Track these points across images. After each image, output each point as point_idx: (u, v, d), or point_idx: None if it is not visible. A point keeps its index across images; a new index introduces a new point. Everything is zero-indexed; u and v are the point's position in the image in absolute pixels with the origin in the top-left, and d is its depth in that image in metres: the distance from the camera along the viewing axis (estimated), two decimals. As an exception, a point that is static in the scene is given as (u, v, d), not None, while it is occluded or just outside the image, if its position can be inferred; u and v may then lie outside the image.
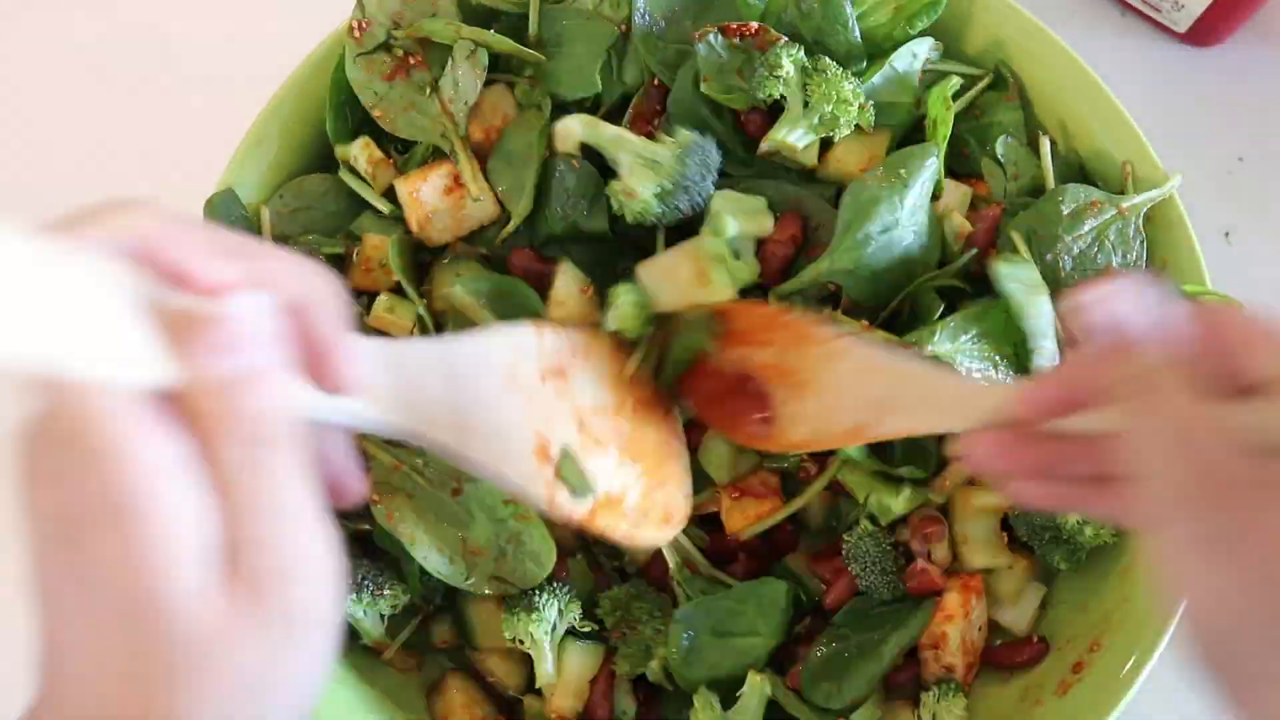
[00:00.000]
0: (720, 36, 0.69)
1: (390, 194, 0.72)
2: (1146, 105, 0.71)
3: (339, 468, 0.47)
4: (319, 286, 0.43)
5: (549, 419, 0.60)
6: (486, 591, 0.66)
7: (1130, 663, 0.62)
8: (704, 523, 0.70)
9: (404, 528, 0.65)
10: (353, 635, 0.68)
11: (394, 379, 0.49)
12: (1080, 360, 0.49)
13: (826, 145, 0.71)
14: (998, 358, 0.64)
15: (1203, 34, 0.89)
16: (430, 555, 0.65)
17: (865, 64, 0.71)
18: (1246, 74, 0.91)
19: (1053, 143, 0.73)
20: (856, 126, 0.69)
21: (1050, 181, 0.71)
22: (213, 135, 0.74)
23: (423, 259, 0.72)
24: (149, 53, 0.91)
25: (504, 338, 0.61)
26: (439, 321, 0.69)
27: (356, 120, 0.74)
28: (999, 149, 0.72)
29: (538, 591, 0.66)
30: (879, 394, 0.57)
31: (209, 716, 0.37)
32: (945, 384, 0.55)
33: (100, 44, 0.92)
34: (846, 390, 0.59)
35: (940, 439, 0.66)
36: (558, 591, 0.66)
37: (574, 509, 0.59)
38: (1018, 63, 0.74)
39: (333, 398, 0.44)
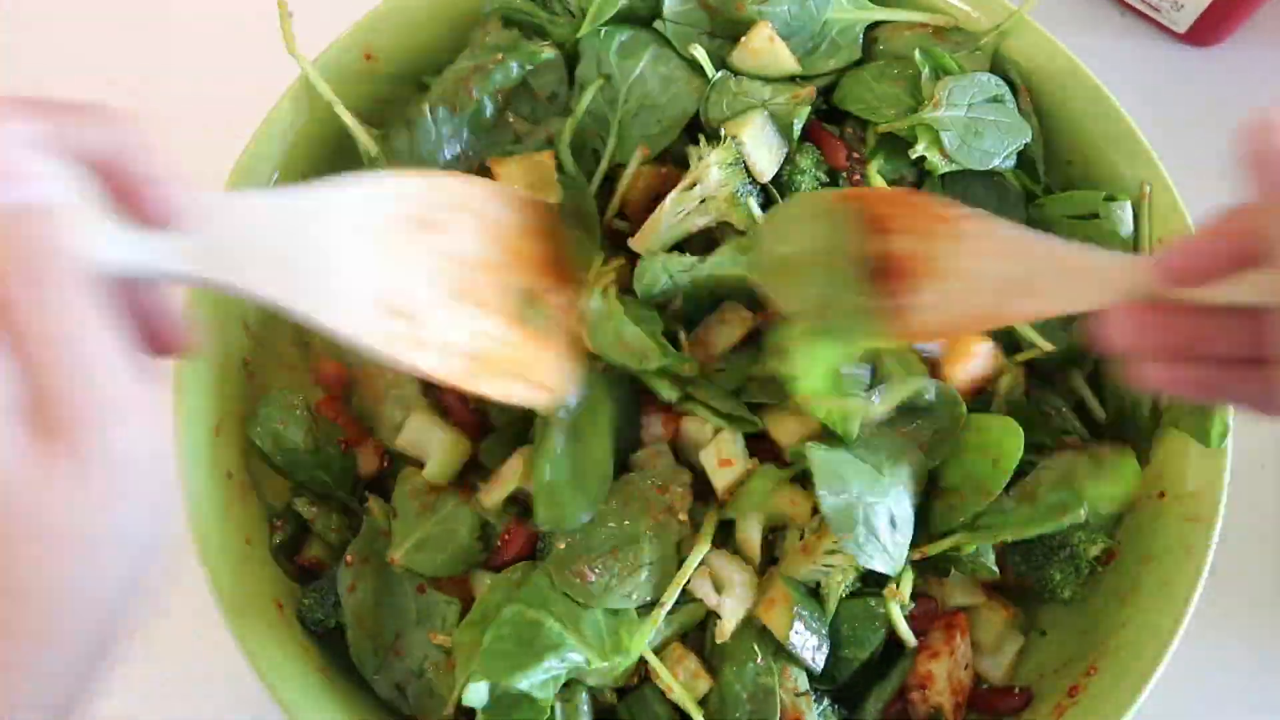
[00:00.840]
0: None
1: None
2: (1146, 105, 0.70)
3: (162, 317, 0.45)
4: (133, 133, 0.41)
5: (399, 268, 0.57)
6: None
7: (1127, 687, 0.61)
8: None
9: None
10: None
11: (217, 231, 0.46)
12: (1240, 210, 0.42)
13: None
14: None
15: (1202, 34, 0.89)
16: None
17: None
18: (1246, 74, 0.90)
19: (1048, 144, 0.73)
20: None
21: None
22: (214, 136, 0.73)
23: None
24: (150, 53, 0.91)
25: (356, 187, 0.56)
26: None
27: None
28: None
29: None
30: (1012, 274, 0.53)
31: (33, 578, 0.36)
32: (1081, 258, 0.50)
33: (102, 44, 0.91)
34: (978, 272, 0.55)
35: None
36: None
37: (415, 358, 0.57)
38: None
39: (141, 240, 0.42)
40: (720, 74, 0.70)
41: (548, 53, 0.71)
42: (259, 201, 0.51)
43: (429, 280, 0.59)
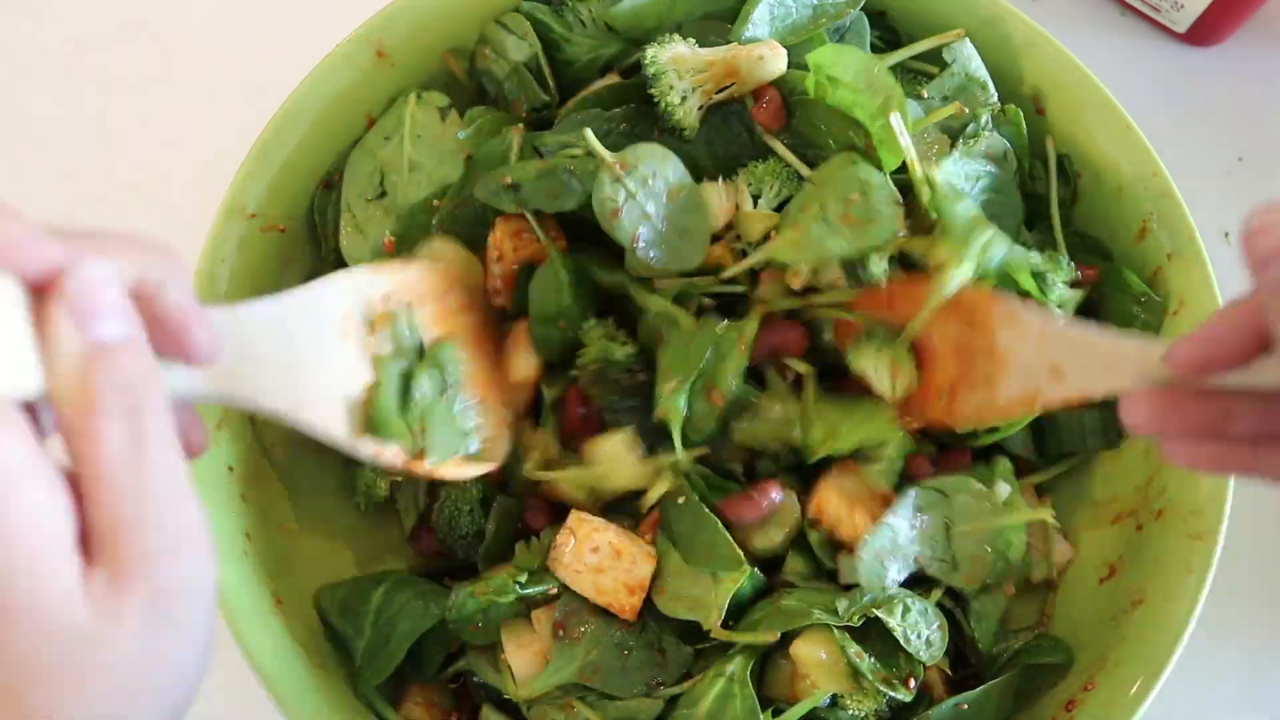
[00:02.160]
0: None
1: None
2: (1146, 105, 0.70)
3: (185, 424, 0.46)
4: (161, 260, 0.41)
5: (360, 364, 0.59)
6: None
7: (1124, 703, 0.61)
8: None
9: None
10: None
11: (231, 347, 0.48)
12: (1246, 301, 0.43)
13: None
14: None
15: (1202, 34, 0.89)
16: None
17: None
18: (1246, 74, 0.90)
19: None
20: None
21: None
22: (215, 136, 0.74)
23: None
24: (152, 54, 0.91)
25: (340, 283, 0.59)
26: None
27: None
28: None
29: None
30: (1042, 361, 0.55)
31: (85, 715, 0.35)
32: (1104, 344, 0.52)
33: (102, 44, 0.91)
34: (1016, 359, 0.57)
35: None
36: None
37: (401, 457, 0.60)
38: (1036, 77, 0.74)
39: (177, 370, 0.44)
40: None
41: None
42: (255, 312, 0.52)
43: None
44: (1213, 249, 0.68)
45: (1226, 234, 0.85)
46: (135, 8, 0.92)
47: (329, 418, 0.56)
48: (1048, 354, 0.55)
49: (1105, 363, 0.51)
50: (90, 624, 0.35)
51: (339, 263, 0.73)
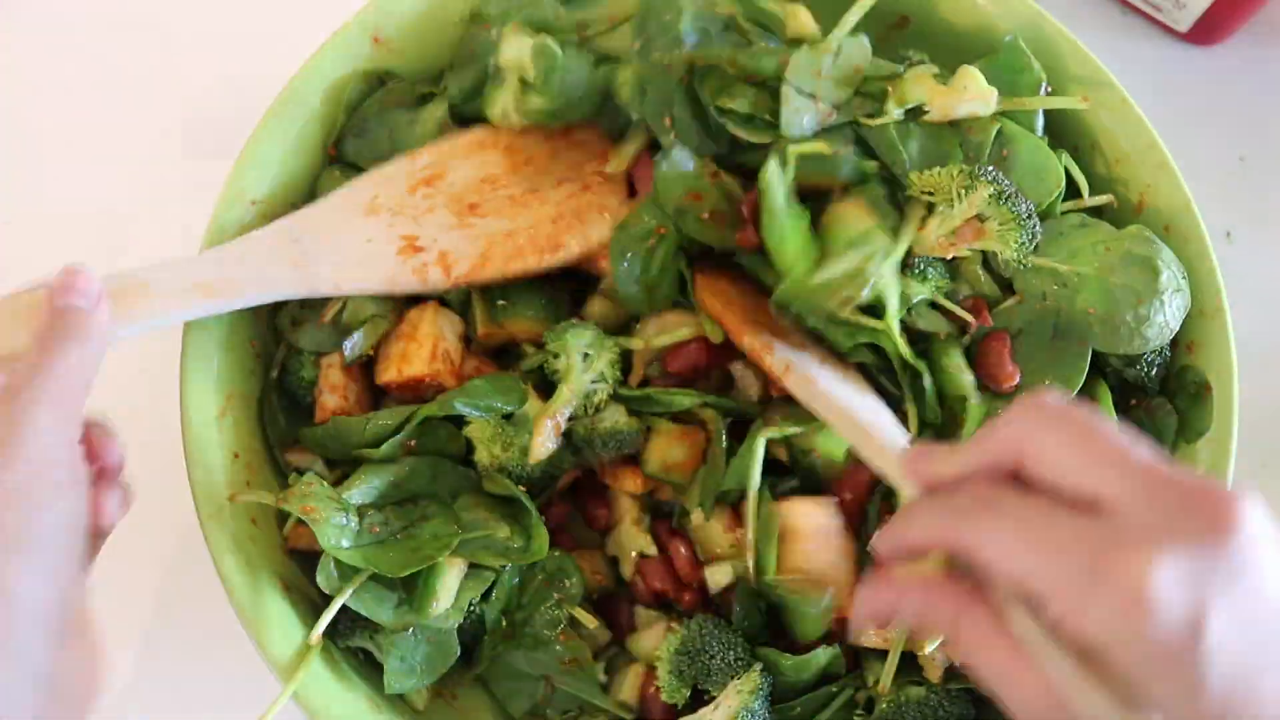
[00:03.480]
0: None
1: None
2: (1147, 105, 0.70)
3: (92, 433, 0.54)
4: None
5: (416, 218, 0.70)
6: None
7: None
8: None
9: None
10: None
11: (225, 267, 0.63)
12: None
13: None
14: None
15: (1204, 33, 0.89)
16: None
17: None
18: (1248, 74, 0.90)
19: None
20: None
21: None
22: (217, 136, 0.74)
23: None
24: (152, 51, 0.91)
25: (367, 178, 0.71)
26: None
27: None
28: None
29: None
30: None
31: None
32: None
33: (104, 43, 0.92)
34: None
35: None
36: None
37: (431, 276, 0.69)
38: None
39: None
40: None
41: None
42: (274, 228, 0.68)
43: (436, 216, 0.70)
44: (1214, 249, 0.68)
45: (1229, 233, 0.85)
46: (136, 6, 0.92)
47: (363, 279, 0.68)
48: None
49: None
50: None
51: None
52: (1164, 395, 0.68)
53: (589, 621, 0.68)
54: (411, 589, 0.63)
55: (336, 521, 0.61)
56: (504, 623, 0.68)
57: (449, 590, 0.64)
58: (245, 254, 0.65)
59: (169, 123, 0.89)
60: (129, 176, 0.87)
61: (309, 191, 0.74)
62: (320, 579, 0.62)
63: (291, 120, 0.71)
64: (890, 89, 0.66)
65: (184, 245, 0.71)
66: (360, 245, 0.68)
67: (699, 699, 0.65)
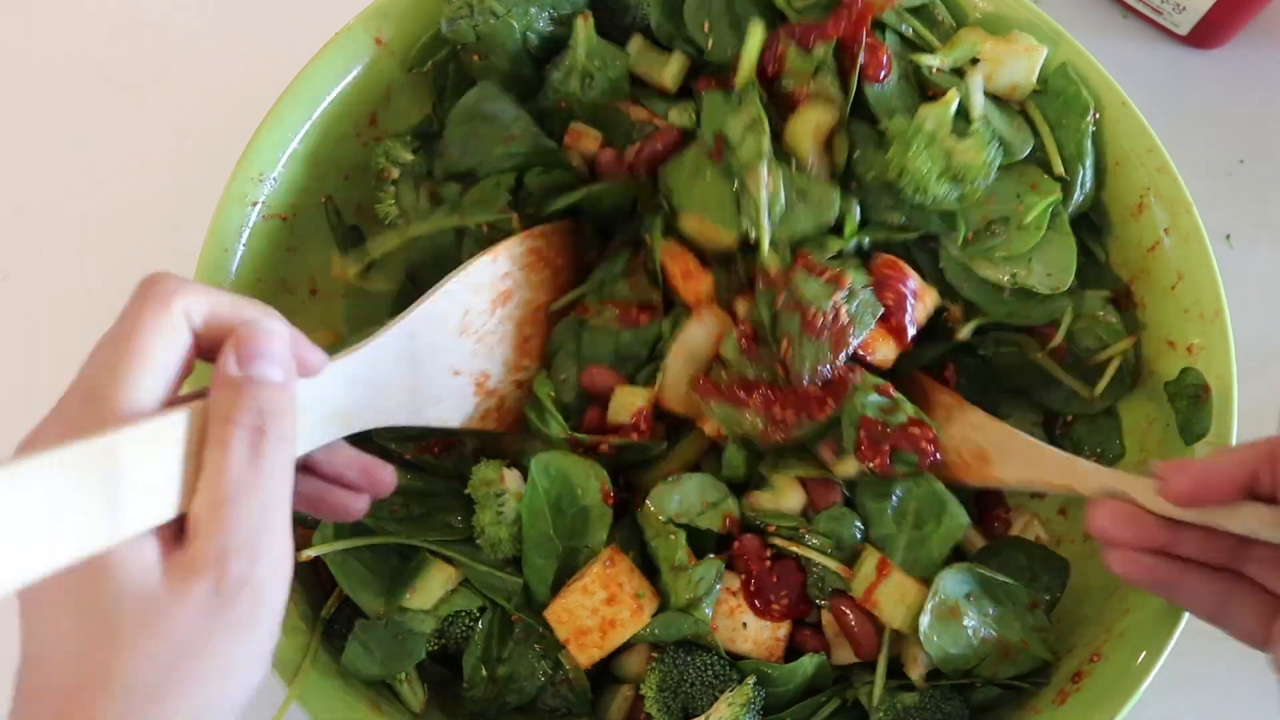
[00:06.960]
0: None
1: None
2: (1147, 108, 0.70)
3: (367, 463, 0.54)
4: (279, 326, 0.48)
5: (491, 348, 0.66)
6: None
7: (1130, 673, 0.61)
8: None
9: None
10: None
11: (361, 385, 0.54)
12: (1257, 449, 0.48)
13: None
14: None
15: (1204, 36, 0.89)
16: None
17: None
18: (1248, 77, 0.90)
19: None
20: None
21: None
22: (218, 136, 0.74)
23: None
24: (152, 52, 0.91)
25: (461, 280, 0.63)
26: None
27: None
28: None
29: None
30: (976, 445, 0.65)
31: (142, 674, 0.39)
32: (1036, 448, 0.63)
33: (103, 43, 0.92)
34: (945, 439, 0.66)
35: None
36: None
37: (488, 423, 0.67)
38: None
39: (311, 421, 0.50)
40: None
41: None
42: (385, 345, 0.57)
43: (503, 349, 0.67)
44: (1214, 252, 0.68)
45: (1228, 236, 0.85)
46: (136, 5, 0.92)
47: (446, 418, 0.63)
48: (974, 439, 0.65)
49: (1030, 459, 0.61)
50: (161, 592, 0.40)
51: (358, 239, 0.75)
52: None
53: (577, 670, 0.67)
54: (398, 582, 0.65)
55: None
56: (483, 672, 0.67)
57: (429, 591, 0.65)
58: (371, 377, 0.57)
59: (170, 123, 0.89)
60: (129, 177, 0.87)
61: (311, 191, 0.74)
62: (316, 537, 0.65)
63: (293, 122, 0.71)
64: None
65: (184, 245, 0.71)
66: (448, 379, 0.63)
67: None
